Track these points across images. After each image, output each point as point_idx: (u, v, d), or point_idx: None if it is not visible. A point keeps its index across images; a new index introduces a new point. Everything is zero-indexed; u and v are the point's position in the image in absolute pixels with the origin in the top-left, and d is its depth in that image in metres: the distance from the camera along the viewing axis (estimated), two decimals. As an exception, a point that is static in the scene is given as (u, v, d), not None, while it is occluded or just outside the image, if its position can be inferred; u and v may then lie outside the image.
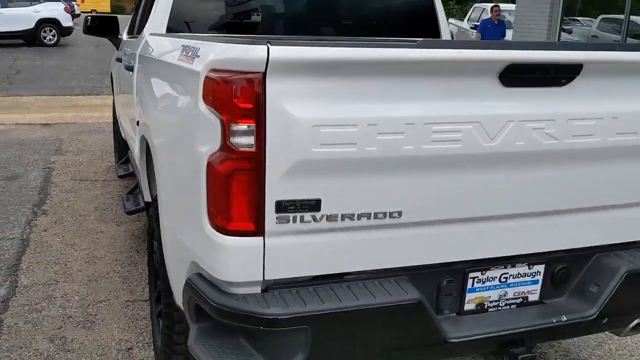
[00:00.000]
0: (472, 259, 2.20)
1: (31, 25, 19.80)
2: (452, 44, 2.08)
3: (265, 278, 1.96)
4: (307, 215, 1.92)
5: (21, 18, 19.60)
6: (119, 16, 6.11)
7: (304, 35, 3.77)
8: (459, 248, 2.16)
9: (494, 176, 2.09)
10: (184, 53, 2.24)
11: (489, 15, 14.38)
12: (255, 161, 1.84)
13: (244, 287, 1.96)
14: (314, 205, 1.91)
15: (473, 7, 20.49)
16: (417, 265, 2.12)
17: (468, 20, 19.34)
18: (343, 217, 1.96)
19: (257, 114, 1.80)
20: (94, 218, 5.23)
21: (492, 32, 11.81)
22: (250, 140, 1.82)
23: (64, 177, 6.44)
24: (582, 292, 2.35)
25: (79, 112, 10.14)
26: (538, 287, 2.35)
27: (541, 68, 2.03)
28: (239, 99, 1.80)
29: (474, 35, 16.77)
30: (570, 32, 13.17)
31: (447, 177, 2.03)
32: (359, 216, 1.97)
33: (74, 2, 39.12)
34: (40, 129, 8.76)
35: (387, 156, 1.93)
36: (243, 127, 1.82)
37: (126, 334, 3.43)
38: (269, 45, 1.75)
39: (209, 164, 1.89)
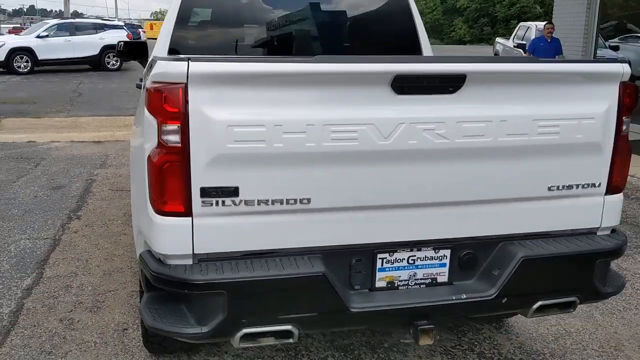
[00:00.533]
0: (379, 242, 2.56)
1: (96, 51, 21.34)
2: (343, 59, 2.47)
3: (195, 252, 2.39)
4: (228, 200, 2.35)
5: (88, 45, 21.13)
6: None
7: (287, 54, 4.23)
8: (366, 232, 2.53)
9: (392, 169, 2.46)
10: (148, 70, 2.73)
11: (534, 33, 14.35)
12: (182, 154, 2.29)
13: (178, 259, 2.40)
14: (232, 191, 2.34)
15: (518, 25, 20.54)
16: (329, 246, 2.50)
17: (513, 39, 19.41)
18: (259, 202, 2.38)
19: (182, 117, 2.26)
20: (120, 222, 5.80)
21: (545, 50, 11.61)
22: (176, 137, 2.28)
23: (102, 187, 7.09)
24: (487, 275, 2.67)
25: (129, 130, 10.89)
26: (446, 269, 2.68)
27: (427, 78, 2.40)
28: (167, 105, 2.26)
29: (519, 53, 16.83)
30: (617, 49, 13.05)
31: (349, 169, 2.42)
32: (273, 202, 2.39)
33: (141, 30, 41.20)
34: (91, 146, 9.53)
35: (293, 151, 2.34)
36: (171, 127, 2.28)
37: (126, 317, 3.92)
38: (189, 61, 2.21)
39: (148, 158, 2.35)
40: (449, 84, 2.44)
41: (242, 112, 2.29)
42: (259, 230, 2.43)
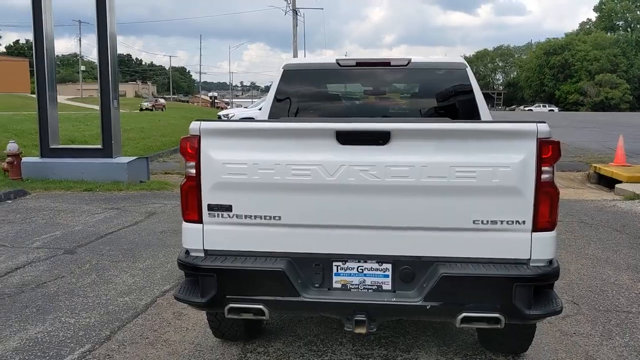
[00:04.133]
0: (334, 252, 3.50)
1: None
2: (299, 120, 3.53)
3: (205, 248, 3.58)
4: (225, 214, 3.52)
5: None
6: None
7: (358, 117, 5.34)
8: (324, 244, 3.49)
9: (339, 199, 3.42)
10: None
11: None
12: (196, 181, 3.53)
13: (195, 252, 3.61)
14: (227, 207, 3.51)
15: None
16: (295, 252, 3.51)
17: None
18: (246, 216, 3.51)
19: (196, 156, 3.51)
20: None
21: None
22: (193, 170, 3.53)
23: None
24: (421, 287, 3.43)
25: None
26: (389, 279, 3.50)
27: (360, 133, 3.36)
28: (189, 149, 3.54)
29: None
30: None
31: (306, 197, 3.44)
32: (255, 217, 3.50)
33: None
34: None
35: (266, 182, 3.44)
36: (191, 163, 3.54)
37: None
38: (201, 122, 3.48)
39: (181, 186, 3.64)
40: (379, 138, 3.35)
41: (233, 154, 3.47)
42: (245, 237, 3.54)
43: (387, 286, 3.50)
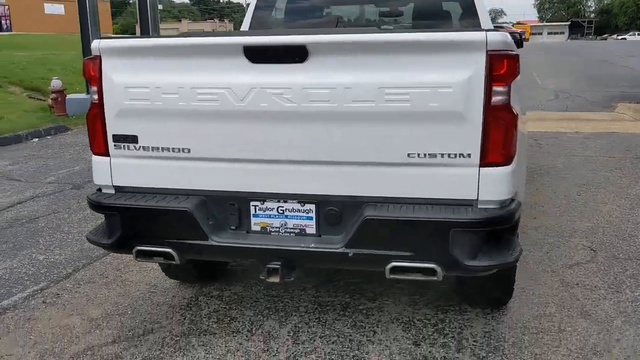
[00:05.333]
0: (250, 191, 3.03)
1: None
2: (205, 34, 3.00)
3: (114, 184, 3.19)
4: (131, 145, 3.10)
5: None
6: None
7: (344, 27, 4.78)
8: (239, 182, 3.02)
9: (251, 128, 2.92)
10: None
11: None
12: (99, 108, 3.11)
13: (106, 189, 3.24)
14: (133, 138, 3.09)
15: None
16: (209, 190, 3.07)
17: None
18: (153, 149, 3.08)
19: (98, 80, 3.08)
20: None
21: None
22: (96, 96, 3.11)
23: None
24: (346, 231, 2.92)
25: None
26: (313, 222, 3.00)
27: (271, 49, 2.82)
28: (91, 71, 3.11)
29: None
30: None
31: (215, 125, 2.96)
32: (162, 149, 3.06)
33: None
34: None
35: (170, 108, 2.98)
36: (93, 88, 3.12)
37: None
38: (100, 40, 3.03)
39: (87, 115, 3.23)
40: (294, 54, 2.79)
41: (135, 76, 3.02)
42: (154, 172, 3.12)
43: (311, 230, 3.02)
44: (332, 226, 2.98)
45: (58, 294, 4.23)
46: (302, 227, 3.02)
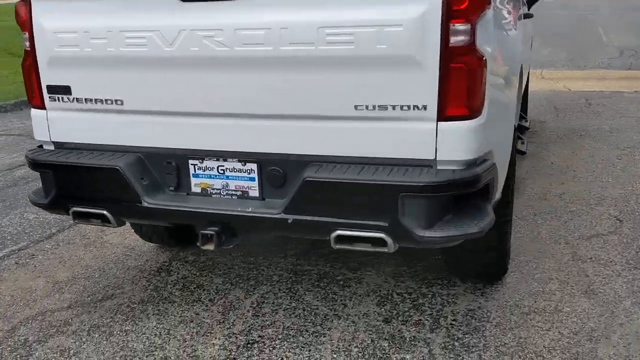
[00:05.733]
0: (187, 148, 2.71)
1: None
2: None
3: (52, 139, 2.94)
4: (65, 97, 2.83)
5: None
6: None
7: None
8: (175, 138, 2.71)
9: (184, 76, 2.59)
10: None
11: None
12: (32, 57, 2.85)
13: (47, 145, 2.99)
14: (66, 89, 2.82)
15: None
16: (145, 147, 2.77)
17: None
18: (86, 100, 2.80)
19: (29, 25, 2.81)
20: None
21: None
22: (28, 43, 2.85)
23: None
24: (290, 194, 2.57)
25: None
26: (256, 184, 2.66)
27: None
28: (23, 16, 2.84)
29: None
30: None
31: (147, 74, 2.65)
32: (95, 101, 2.78)
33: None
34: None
35: (99, 55, 2.69)
36: (25, 34, 2.85)
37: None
38: None
39: (22, 64, 2.97)
40: None
41: (64, 20, 2.73)
42: (90, 126, 2.85)
43: (254, 192, 2.68)
44: (276, 189, 2.63)
45: (33, 255, 4.08)
46: (244, 190, 2.69)
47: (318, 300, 3.33)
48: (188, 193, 2.78)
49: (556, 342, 2.87)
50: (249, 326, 3.09)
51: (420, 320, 3.10)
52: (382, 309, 3.21)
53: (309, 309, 3.24)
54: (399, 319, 3.12)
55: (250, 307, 3.29)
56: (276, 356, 2.84)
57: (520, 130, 5.72)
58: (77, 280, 3.69)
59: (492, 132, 2.53)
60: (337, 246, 2.51)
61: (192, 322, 3.16)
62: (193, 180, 2.76)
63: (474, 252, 3.15)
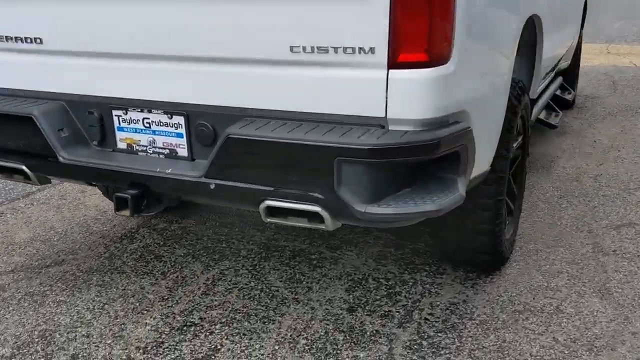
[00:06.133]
0: (110, 96, 2.32)
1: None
2: None
3: None
4: None
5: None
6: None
7: None
8: (98, 83, 2.33)
9: (104, 9, 2.19)
10: None
11: None
12: None
13: None
14: None
15: None
16: (67, 94, 2.40)
17: None
18: (6, 38, 2.45)
19: None
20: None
21: None
22: None
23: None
24: (212, 154, 2.14)
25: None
26: (184, 141, 2.25)
27: None
28: None
29: None
30: None
31: (67, 8, 2.26)
32: (15, 39, 2.42)
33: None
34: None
35: None
36: None
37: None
38: None
39: None
40: None
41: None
42: (12, 69, 2.49)
43: (183, 151, 2.27)
44: (207, 148, 2.21)
45: (2, 213, 3.82)
46: (172, 148, 2.28)
47: (282, 281, 2.90)
48: (114, 149, 2.40)
49: (546, 351, 2.35)
50: (193, 306, 2.71)
51: (390, 311, 2.64)
52: (350, 296, 2.76)
53: (267, 291, 2.82)
54: (366, 308, 2.66)
55: (203, 283, 2.90)
56: (209, 343, 2.44)
57: (559, 103, 5.08)
58: (33, 242, 3.40)
59: (467, 88, 2.02)
60: (269, 219, 2.07)
61: (133, 296, 2.80)
62: (118, 135, 2.37)
63: (458, 234, 2.66)
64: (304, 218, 2.03)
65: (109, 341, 2.46)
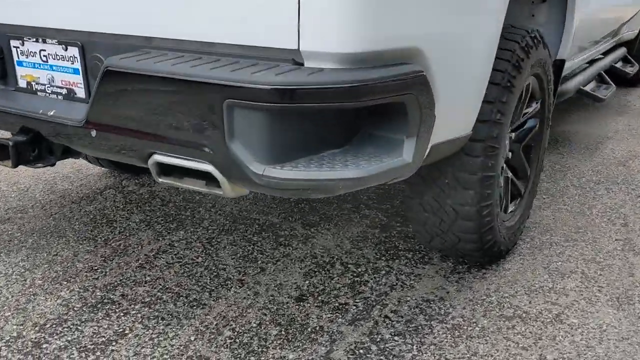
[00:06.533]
0: (8, 23, 1.94)
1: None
2: None
3: None
4: None
5: None
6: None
7: None
8: (-2, 8, 1.95)
9: None
10: None
11: None
12: None
13: None
14: None
15: None
16: None
17: None
18: None
19: None
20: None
21: None
22: None
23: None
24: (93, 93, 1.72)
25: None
26: (81, 78, 1.84)
27: None
28: None
29: None
30: None
31: None
32: None
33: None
34: None
35: None
36: None
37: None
38: None
39: None
40: None
41: None
42: None
43: (81, 91, 1.85)
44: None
45: (-26, 166, 3.56)
46: (70, 87, 1.88)
47: (234, 259, 2.48)
48: (16, 88, 2.01)
49: (526, 372, 1.83)
50: (120, 280, 2.32)
51: (346, 304, 2.16)
52: (306, 282, 2.31)
53: (213, 269, 2.40)
54: (319, 298, 2.20)
55: (144, 255, 2.51)
56: (117, 326, 2.05)
57: (614, 77, 4.38)
58: (-11, 197, 3.11)
59: (422, 17, 1.50)
60: (162, 180, 1.64)
61: (61, 264, 2.44)
62: (18, 71, 1.98)
63: (437, 216, 2.15)
64: (201, 180, 1.58)
65: (8, 314, 2.11)
